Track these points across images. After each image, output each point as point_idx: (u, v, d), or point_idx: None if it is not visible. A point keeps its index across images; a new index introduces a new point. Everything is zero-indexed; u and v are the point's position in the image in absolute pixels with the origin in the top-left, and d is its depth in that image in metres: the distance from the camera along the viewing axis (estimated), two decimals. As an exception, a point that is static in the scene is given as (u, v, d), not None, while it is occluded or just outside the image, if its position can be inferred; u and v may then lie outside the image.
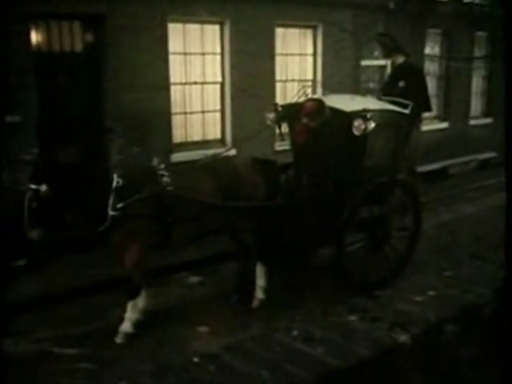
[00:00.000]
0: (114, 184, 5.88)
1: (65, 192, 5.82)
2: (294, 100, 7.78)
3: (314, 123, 6.98)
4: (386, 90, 8.08)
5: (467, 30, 15.01)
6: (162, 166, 6.32)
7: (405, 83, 7.79)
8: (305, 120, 7.05)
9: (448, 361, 2.19)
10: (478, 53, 15.71)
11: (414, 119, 7.76)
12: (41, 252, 7.82)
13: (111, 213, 5.81)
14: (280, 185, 7.32)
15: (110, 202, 5.83)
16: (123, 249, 6.08)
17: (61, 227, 6.02)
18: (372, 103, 7.38)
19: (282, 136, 7.99)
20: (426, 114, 12.82)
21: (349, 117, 6.79)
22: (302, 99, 7.71)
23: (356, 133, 6.73)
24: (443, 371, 2.20)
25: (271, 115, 7.69)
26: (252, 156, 7.42)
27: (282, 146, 9.20)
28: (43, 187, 5.60)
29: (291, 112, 7.61)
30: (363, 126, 6.69)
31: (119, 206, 5.81)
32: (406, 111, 7.37)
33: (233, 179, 6.61)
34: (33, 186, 5.64)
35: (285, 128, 7.91)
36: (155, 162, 6.35)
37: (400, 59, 8.07)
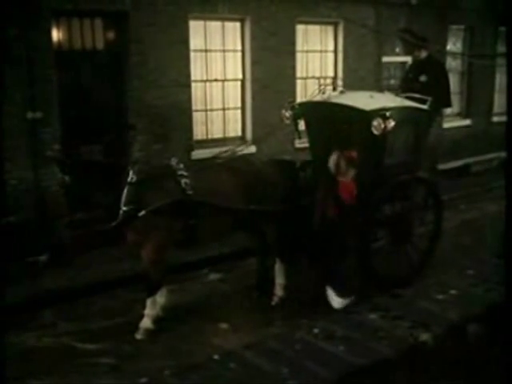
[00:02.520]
0: (128, 180, 5.90)
1: (85, 185, 5.88)
2: (313, 97, 7.74)
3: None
4: (406, 85, 8.00)
5: (490, 26, 14.82)
6: (181, 165, 6.30)
7: (426, 78, 7.70)
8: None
9: (471, 360, 2.17)
10: (501, 48, 15.51)
11: (434, 115, 7.69)
12: (63, 247, 7.92)
13: (123, 208, 5.83)
14: (299, 184, 7.29)
15: (123, 197, 5.86)
16: (140, 246, 6.10)
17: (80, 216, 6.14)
18: (391, 100, 7.31)
19: (298, 133, 7.96)
20: (448, 111, 12.72)
21: (368, 116, 6.74)
22: (321, 96, 7.68)
23: (376, 132, 6.67)
24: (466, 370, 2.18)
25: (288, 113, 7.65)
26: (271, 157, 7.42)
27: (303, 143, 9.17)
28: (66, 177, 5.80)
29: (307, 109, 7.58)
30: (383, 126, 6.63)
31: (139, 214, 5.85)
32: (425, 107, 7.31)
33: (253, 179, 6.59)
34: (64, 177, 5.86)
35: (301, 125, 7.88)
36: (174, 161, 6.34)
37: (423, 54, 7.98)
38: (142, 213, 5.83)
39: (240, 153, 7.55)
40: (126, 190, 5.87)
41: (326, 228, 6.56)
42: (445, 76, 8.00)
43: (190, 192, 6.08)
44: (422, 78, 7.73)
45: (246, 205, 6.46)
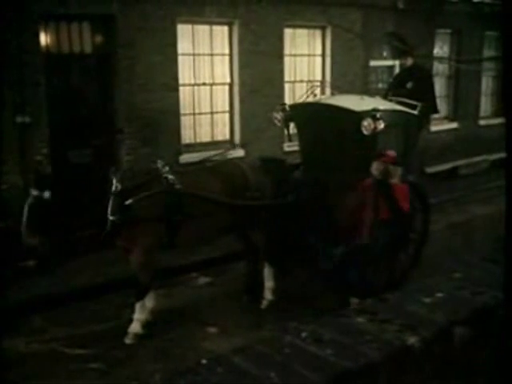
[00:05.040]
0: (113, 189, 5.87)
1: (71, 195, 5.82)
2: (302, 100, 7.77)
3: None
4: (393, 91, 8.07)
5: (477, 30, 14.95)
6: (167, 168, 6.30)
7: (413, 85, 7.77)
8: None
9: (458, 363, 2.20)
10: (488, 52, 15.64)
11: (423, 120, 7.75)
12: (52, 252, 7.88)
13: (111, 218, 5.81)
14: (288, 184, 7.31)
15: (109, 207, 5.83)
16: (128, 250, 6.11)
17: (61, 232, 6.02)
18: (381, 103, 7.37)
19: (289, 136, 7.97)
20: (435, 115, 12.83)
21: (358, 116, 6.77)
22: (311, 99, 7.72)
23: (365, 132, 6.70)
24: (453, 373, 2.21)
25: (279, 115, 7.66)
26: (260, 155, 7.44)
27: (291, 146, 9.20)
28: (46, 193, 5.58)
29: (299, 111, 7.61)
30: (372, 126, 6.66)
31: (126, 203, 5.82)
32: (415, 112, 7.36)
33: (240, 182, 6.61)
34: (35, 193, 5.62)
35: (293, 128, 7.89)
36: (160, 164, 6.33)
37: (409, 61, 8.06)
38: (129, 201, 5.81)
39: (229, 156, 7.58)
40: (111, 200, 5.85)
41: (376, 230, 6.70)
42: (430, 83, 8.09)
43: (177, 186, 6.09)
44: (409, 85, 7.80)
45: (230, 206, 6.48)
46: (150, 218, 6.01)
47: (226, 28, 10.53)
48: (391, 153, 6.83)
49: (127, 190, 5.89)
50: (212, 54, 10.46)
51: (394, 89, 8.10)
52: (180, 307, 7.07)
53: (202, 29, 10.28)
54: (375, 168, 6.69)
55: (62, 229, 5.96)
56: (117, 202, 5.84)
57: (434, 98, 8.00)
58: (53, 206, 5.61)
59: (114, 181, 5.90)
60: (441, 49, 14.66)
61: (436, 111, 8.37)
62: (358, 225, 6.67)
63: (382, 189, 6.69)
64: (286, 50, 11.35)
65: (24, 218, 5.64)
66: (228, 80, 10.70)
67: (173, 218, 6.10)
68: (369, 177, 6.71)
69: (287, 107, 7.73)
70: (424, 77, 8.10)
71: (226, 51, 10.61)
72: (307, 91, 7.93)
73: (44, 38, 8.51)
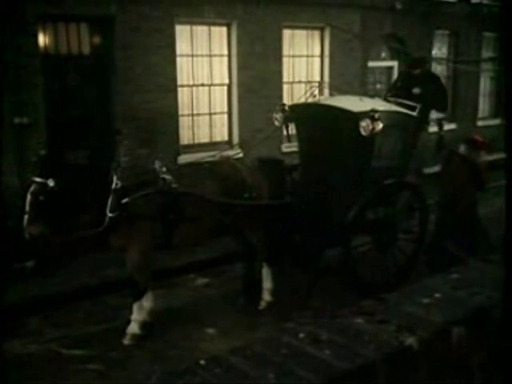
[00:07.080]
0: (113, 186, 5.88)
1: (72, 191, 5.80)
2: (302, 100, 7.78)
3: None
4: (395, 92, 8.05)
5: (475, 31, 14.97)
6: (164, 169, 6.30)
7: (421, 90, 7.75)
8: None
9: (456, 363, 2.20)
10: (485, 53, 15.65)
11: (422, 121, 7.74)
12: (49, 253, 7.87)
13: (109, 214, 5.81)
14: (286, 185, 7.31)
15: (109, 203, 5.83)
16: (125, 250, 6.10)
17: (64, 224, 5.95)
18: (380, 104, 7.37)
19: (288, 136, 7.96)
20: (433, 116, 12.83)
21: (356, 117, 6.77)
22: (310, 100, 7.72)
23: (363, 133, 6.70)
24: (451, 374, 2.21)
25: (278, 115, 7.65)
26: (258, 156, 7.44)
27: (290, 147, 9.19)
28: (51, 182, 5.48)
29: (298, 111, 7.60)
30: (371, 127, 6.66)
31: (123, 201, 5.83)
32: (414, 113, 7.36)
33: (236, 183, 6.61)
34: (38, 180, 5.52)
35: (292, 129, 7.88)
36: (157, 164, 6.33)
37: (418, 71, 8.05)
38: (126, 200, 5.81)
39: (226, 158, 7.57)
40: (111, 197, 5.85)
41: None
42: (442, 87, 8.11)
43: (174, 185, 6.09)
44: (416, 91, 7.79)
45: (227, 206, 6.47)
46: (147, 216, 6.00)
47: (224, 29, 10.54)
48: (479, 137, 7.52)
49: (127, 188, 5.90)
50: (210, 55, 10.47)
51: (396, 91, 8.07)
52: (178, 308, 7.07)
53: (201, 30, 10.28)
54: (463, 149, 7.43)
55: (64, 220, 5.88)
56: (116, 199, 5.84)
57: (445, 98, 8.14)
58: (57, 195, 5.51)
59: (115, 178, 5.91)
60: (439, 50, 14.67)
61: (444, 108, 8.48)
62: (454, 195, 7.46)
63: (469, 167, 7.29)
64: (285, 51, 11.36)
65: (26, 207, 5.52)
66: (226, 81, 10.70)
67: (169, 217, 6.10)
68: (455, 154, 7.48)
69: (287, 108, 7.73)
70: (434, 81, 8.11)
71: (225, 52, 10.62)
72: (306, 92, 7.93)
73: (42, 39, 8.50)
